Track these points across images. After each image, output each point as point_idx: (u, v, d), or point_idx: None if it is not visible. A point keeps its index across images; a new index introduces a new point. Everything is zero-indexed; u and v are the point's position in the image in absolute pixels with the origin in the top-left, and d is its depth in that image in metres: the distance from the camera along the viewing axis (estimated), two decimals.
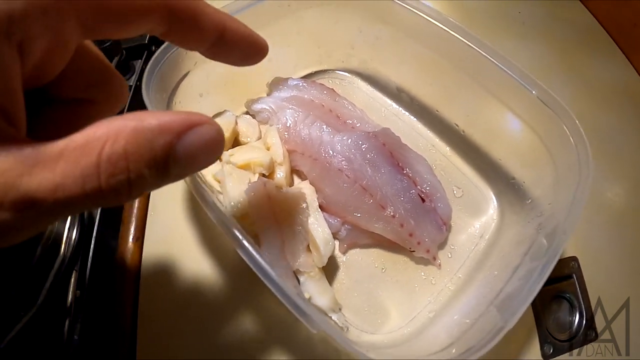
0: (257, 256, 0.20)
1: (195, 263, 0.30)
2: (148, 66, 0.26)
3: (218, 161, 0.31)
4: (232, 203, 0.27)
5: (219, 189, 0.30)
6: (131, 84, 0.39)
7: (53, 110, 0.15)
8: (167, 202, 0.32)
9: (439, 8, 0.46)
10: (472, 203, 0.34)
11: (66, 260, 0.31)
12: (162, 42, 0.29)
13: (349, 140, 0.31)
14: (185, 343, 0.27)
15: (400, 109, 0.37)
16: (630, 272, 0.34)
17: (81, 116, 0.15)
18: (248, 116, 0.36)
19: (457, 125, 0.35)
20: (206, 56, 0.17)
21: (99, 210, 0.31)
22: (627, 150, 0.39)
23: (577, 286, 0.33)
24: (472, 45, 0.30)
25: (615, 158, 0.39)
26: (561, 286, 0.33)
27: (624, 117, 0.41)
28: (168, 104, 0.29)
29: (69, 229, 0.30)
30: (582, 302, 0.32)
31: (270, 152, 0.31)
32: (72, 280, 0.31)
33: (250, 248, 0.20)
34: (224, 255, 0.30)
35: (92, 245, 0.30)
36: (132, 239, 0.31)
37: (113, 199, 0.11)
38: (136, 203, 0.32)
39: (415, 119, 0.37)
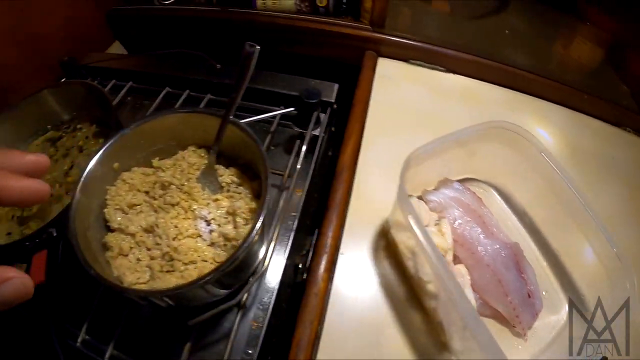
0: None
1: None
2: None
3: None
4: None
5: (409, 256, 0.46)
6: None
7: None
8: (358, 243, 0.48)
9: (553, 140, 0.63)
10: (551, 305, 0.51)
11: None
12: None
13: (496, 246, 0.48)
14: None
15: (521, 225, 0.54)
16: None
17: None
18: (422, 201, 0.52)
19: (556, 250, 0.52)
20: None
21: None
22: None
23: None
24: (573, 192, 0.45)
25: None
26: None
27: None
28: None
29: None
30: None
31: (444, 238, 0.48)
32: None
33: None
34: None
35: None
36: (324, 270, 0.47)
37: None
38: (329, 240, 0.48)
39: (529, 236, 0.54)
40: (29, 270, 0.48)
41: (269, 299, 0.50)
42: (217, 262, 0.47)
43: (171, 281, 0.45)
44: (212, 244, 0.49)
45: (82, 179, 0.48)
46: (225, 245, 0.48)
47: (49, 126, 0.72)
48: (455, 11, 0.80)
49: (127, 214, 0.52)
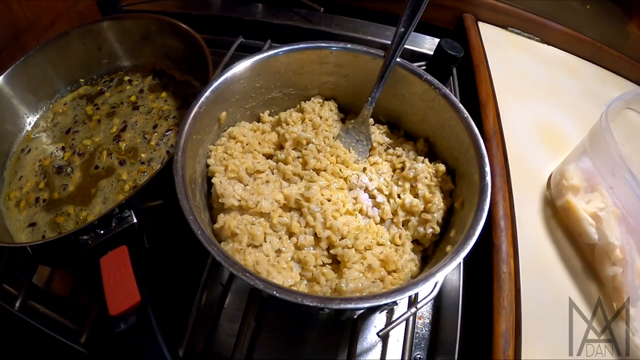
0: None
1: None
2: None
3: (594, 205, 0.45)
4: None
5: (591, 222, 0.44)
6: None
7: None
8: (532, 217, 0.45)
9: None
10: None
11: None
12: None
13: None
14: None
15: None
16: None
17: None
18: (572, 166, 0.50)
19: None
20: None
21: None
22: None
23: None
24: None
25: None
26: None
27: None
28: None
29: None
30: None
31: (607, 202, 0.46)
32: None
33: None
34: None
35: None
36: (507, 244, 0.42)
37: None
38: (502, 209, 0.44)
39: None
40: (98, 281, 0.32)
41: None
42: (398, 245, 0.39)
43: (352, 276, 0.35)
44: (381, 221, 0.40)
45: (185, 131, 0.37)
46: (408, 220, 0.39)
47: (81, 80, 0.55)
48: None
49: (246, 184, 0.40)
